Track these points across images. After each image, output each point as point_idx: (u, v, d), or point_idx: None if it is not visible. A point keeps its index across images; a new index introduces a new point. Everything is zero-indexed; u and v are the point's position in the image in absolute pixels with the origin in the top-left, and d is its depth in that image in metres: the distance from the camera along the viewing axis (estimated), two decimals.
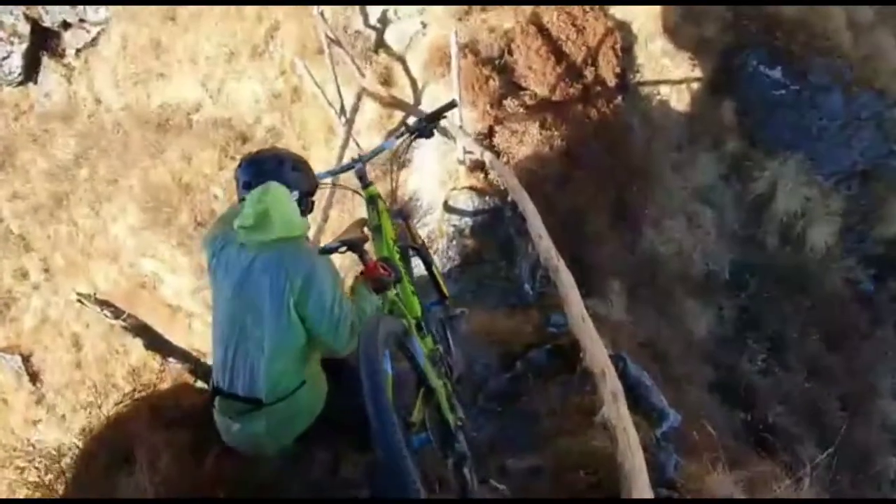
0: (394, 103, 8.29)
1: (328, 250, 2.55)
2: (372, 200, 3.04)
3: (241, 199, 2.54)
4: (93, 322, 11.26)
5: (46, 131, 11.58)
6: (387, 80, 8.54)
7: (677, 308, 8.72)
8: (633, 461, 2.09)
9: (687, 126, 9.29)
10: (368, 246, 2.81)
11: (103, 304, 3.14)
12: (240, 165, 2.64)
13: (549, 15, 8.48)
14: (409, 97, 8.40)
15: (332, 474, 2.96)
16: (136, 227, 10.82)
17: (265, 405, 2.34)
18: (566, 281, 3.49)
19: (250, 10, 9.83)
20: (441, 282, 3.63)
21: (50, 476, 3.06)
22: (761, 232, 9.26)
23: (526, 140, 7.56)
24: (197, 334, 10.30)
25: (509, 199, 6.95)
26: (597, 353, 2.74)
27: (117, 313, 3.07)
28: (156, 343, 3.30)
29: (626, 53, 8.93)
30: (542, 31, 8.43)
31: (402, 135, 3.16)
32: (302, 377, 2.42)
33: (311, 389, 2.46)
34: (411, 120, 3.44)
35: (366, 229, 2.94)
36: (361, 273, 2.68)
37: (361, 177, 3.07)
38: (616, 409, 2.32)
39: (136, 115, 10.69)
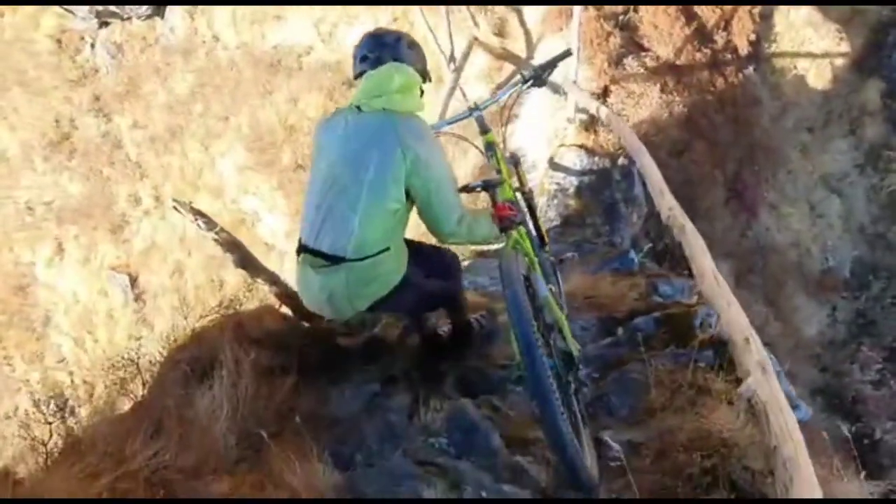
0: (505, 55, 7.80)
1: (469, 189, 2.60)
2: (490, 146, 3.02)
3: (358, 75, 2.57)
4: (194, 251, 11.55)
5: (168, 65, 11.82)
6: (500, 31, 8.04)
7: (787, 302, 7.88)
8: (792, 446, 1.63)
9: (823, 106, 8.29)
10: None
11: (198, 214, 2.98)
12: (360, 41, 2.65)
13: None
14: (521, 50, 7.88)
15: (409, 419, 2.65)
16: (240, 166, 10.92)
17: (347, 261, 2.33)
18: (694, 242, 2.98)
19: None
20: (543, 228, 3.50)
21: (134, 383, 2.89)
22: (894, 231, 8.20)
23: (644, 103, 6.91)
24: (288, 273, 10.37)
25: (619, 161, 6.41)
26: (737, 318, 2.24)
27: (210, 225, 2.89)
28: (246, 262, 3.06)
29: (765, 20, 8.02)
30: None
31: (515, 84, 3.11)
32: (387, 244, 2.39)
33: (392, 257, 2.43)
34: (526, 70, 3.05)
35: (495, 173, 2.86)
36: (492, 214, 2.64)
37: (481, 123, 3.03)
38: (767, 384, 1.84)
39: (249, 54, 10.69)
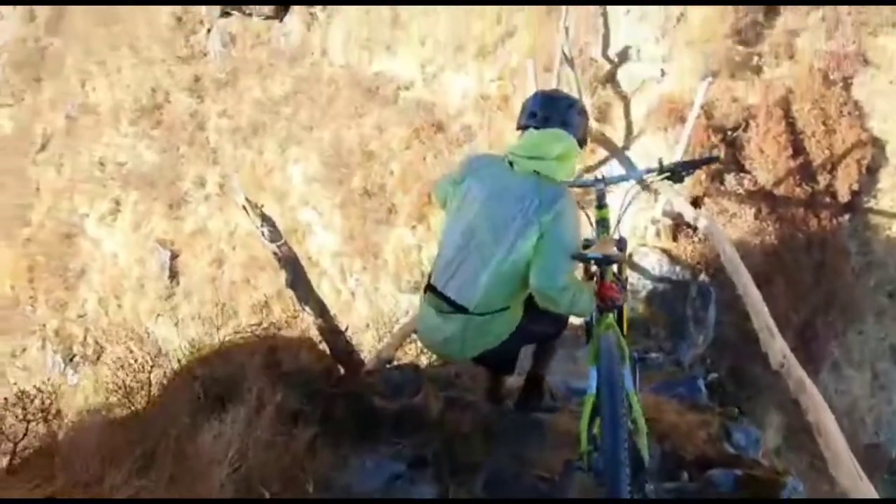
0: (602, 140, 7.46)
1: (584, 258, 2.43)
2: (602, 223, 2.82)
3: (523, 128, 2.53)
4: (240, 247, 11.35)
5: (272, 65, 11.91)
6: (602, 116, 7.73)
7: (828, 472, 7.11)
8: None
9: None
10: None
11: (266, 221, 2.68)
12: (532, 98, 2.61)
13: (801, 104, 7.29)
14: (619, 139, 7.54)
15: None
16: (310, 176, 10.77)
17: (469, 313, 2.36)
18: (819, 407, 2.47)
19: (492, 11, 9.43)
20: (627, 321, 3.04)
21: (147, 374, 2.47)
22: None
23: (736, 224, 6.44)
24: (323, 293, 10.02)
25: (700, 277, 5.91)
26: None
27: (274, 236, 2.57)
28: (298, 284, 2.68)
29: (870, 173, 7.51)
30: (788, 118, 7.26)
31: (651, 171, 2.89)
32: (508, 303, 2.40)
33: (509, 317, 2.44)
34: (667, 161, 2.86)
35: (614, 250, 2.58)
36: (596, 290, 2.51)
37: (601, 197, 2.84)
38: None
39: (351, 76, 10.65)
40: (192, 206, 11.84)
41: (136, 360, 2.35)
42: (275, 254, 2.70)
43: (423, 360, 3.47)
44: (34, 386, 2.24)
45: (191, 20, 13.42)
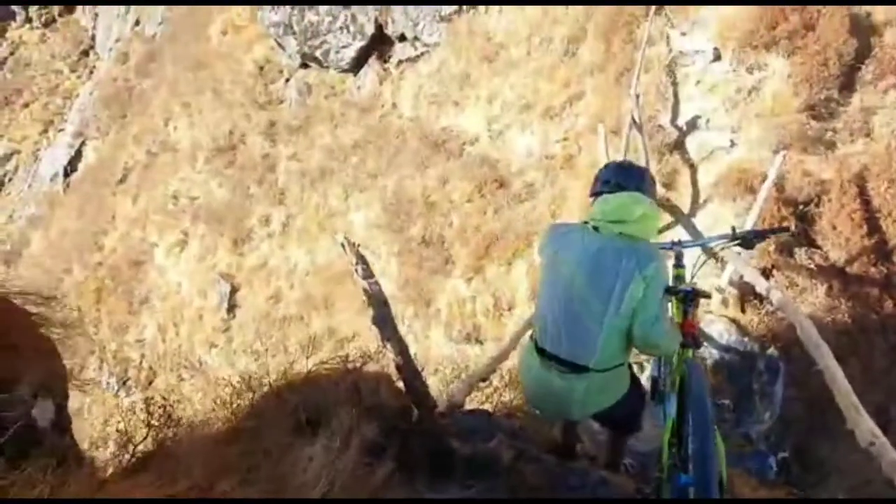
0: (667, 206, 7.39)
1: (676, 291, 2.71)
2: (678, 280, 3.04)
3: (595, 194, 2.70)
4: (297, 285, 11.58)
5: (343, 115, 12.37)
6: (669, 183, 7.68)
7: None
8: None
9: None
10: None
11: (361, 259, 2.78)
12: (605, 167, 2.83)
13: (878, 182, 7.10)
14: (685, 206, 7.45)
15: None
16: (370, 222, 10.97)
17: (591, 371, 2.46)
18: None
19: (562, 74, 9.64)
20: None
21: (238, 402, 2.51)
22: None
23: (806, 298, 6.21)
24: (371, 343, 10.07)
25: (768, 351, 5.70)
26: None
27: (367, 273, 2.66)
28: (383, 322, 2.73)
29: None
30: (863, 195, 7.06)
31: (724, 237, 3.16)
32: (622, 359, 2.55)
33: (624, 372, 2.61)
34: (740, 229, 3.30)
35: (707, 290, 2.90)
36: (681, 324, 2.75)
37: (678, 257, 3.12)
38: None
39: (419, 128, 10.95)
40: (256, 243, 12.18)
41: (242, 379, 2.40)
42: (365, 290, 2.75)
43: (489, 408, 3.44)
44: (160, 395, 2.32)
45: (272, 69, 14.15)
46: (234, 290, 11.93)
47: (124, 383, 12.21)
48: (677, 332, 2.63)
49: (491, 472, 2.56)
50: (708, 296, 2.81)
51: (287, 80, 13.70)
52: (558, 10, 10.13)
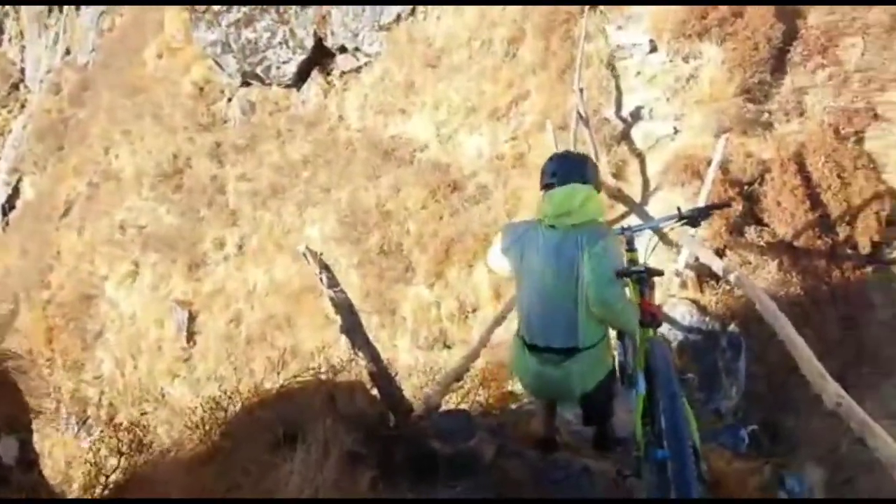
0: (619, 196, 7.53)
1: (628, 271, 2.74)
2: (631, 264, 3.12)
3: (546, 186, 2.85)
4: (258, 306, 11.34)
5: (290, 131, 12.20)
6: (618, 173, 7.83)
7: None
8: None
9: None
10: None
11: (325, 268, 2.72)
12: (549, 160, 2.96)
13: (815, 158, 7.38)
14: (636, 195, 7.61)
15: None
16: (327, 236, 10.84)
17: (582, 350, 2.64)
18: (888, 451, 2.39)
19: (505, 75, 9.72)
20: None
21: (210, 424, 2.41)
22: None
23: (759, 276, 6.39)
24: (341, 353, 9.93)
25: (729, 328, 5.84)
26: None
27: (332, 283, 2.61)
28: (353, 331, 2.68)
29: (890, 225, 7.50)
30: (803, 171, 7.33)
31: (671, 218, 3.24)
32: (604, 331, 2.75)
33: (607, 346, 2.79)
34: (685, 208, 3.21)
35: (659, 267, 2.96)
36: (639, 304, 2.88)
37: (630, 241, 3.25)
38: None
39: (368, 139, 10.88)
40: (211, 267, 11.89)
41: (212, 399, 2.31)
42: (332, 299, 2.70)
43: (466, 407, 3.41)
44: (127, 420, 2.21)
45: (212, 90, 13.87)
46: (192, 317, 11.60)
47: (84, 423, 11.72)
48: (636, 310, 2.78)
49: (473, 470, 2.53)
50: (660, 273, 2.92)
51: (229, 100, 13.45)
52: (495, 12, 10.21)
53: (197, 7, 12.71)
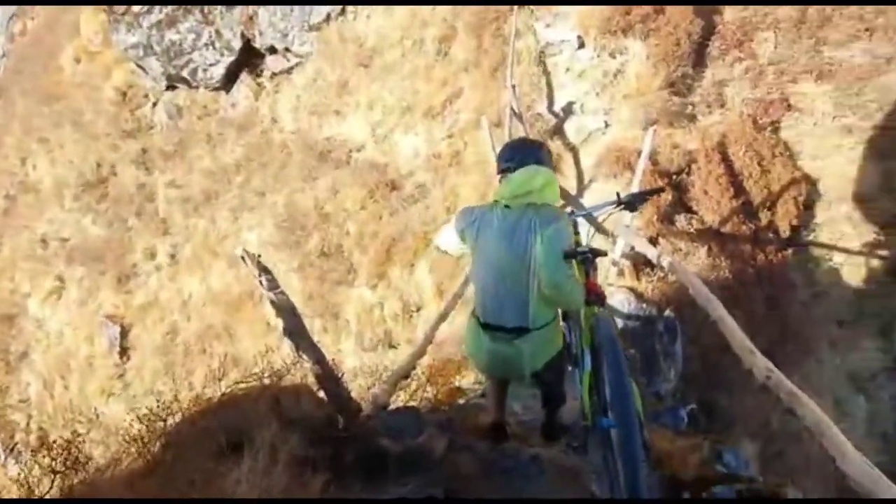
0: None
1: (574, 253, 2.76)
2: (576, 245, 3.14)
3: (502, 171, 2.89)
4: (195, 317, 10.98)
5: (221, 135, 11.87)
6: (554, 167, 7.96)
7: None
8: None
9: (854, 303, 8.02)
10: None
11: (264, 270, 2.62)
12: (505, 146, 3.04)
13: (737, 148, 7.74)
14: (571, 187, 7.77)
15: None
16: (265, 241, 10.59)
17: (532, 330, 2.71)
18: (810, 406, 2.52)
19: (438, 74, 9.76)
20: None
21: (152, 440, 2.30)
22: None
23: (691, 261, 6.65)
24: (284, 356, 9.73)
25: (665, 313, 6.04)
26: None
27: (272, 285, 2.52)
28: (296, 333, 2.60)
29: (807, 209, 7.95)
30: (726, 160, 7.67)
31: (610, 203, 3.29)
32: (554, 312, 2.81)
33: (556, 327, 2.85)
34: (623, 194, 3.30)
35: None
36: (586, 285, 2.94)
37: (573, 226, 3.22)
38: None
39: (303, 141, 10.70)
40: (142, 279, 11.44)
41: (150, 411, 2.21)
42: (273, 301, 2.63)
43: (415, 404, 3.40)
44: (60, 436, 2.08)
45: (136, 94, 13.33)
46: (124, 332, 11.13)
47: (12, 450, 11.06)
48: (582, 289, 2.83)
49: (424, 466, 2.53)
50: (604, 253, 3.02)
51: (154, 104, 12.96)
52: (426, 11, 10.23)
53: (115, 8, 12.17)
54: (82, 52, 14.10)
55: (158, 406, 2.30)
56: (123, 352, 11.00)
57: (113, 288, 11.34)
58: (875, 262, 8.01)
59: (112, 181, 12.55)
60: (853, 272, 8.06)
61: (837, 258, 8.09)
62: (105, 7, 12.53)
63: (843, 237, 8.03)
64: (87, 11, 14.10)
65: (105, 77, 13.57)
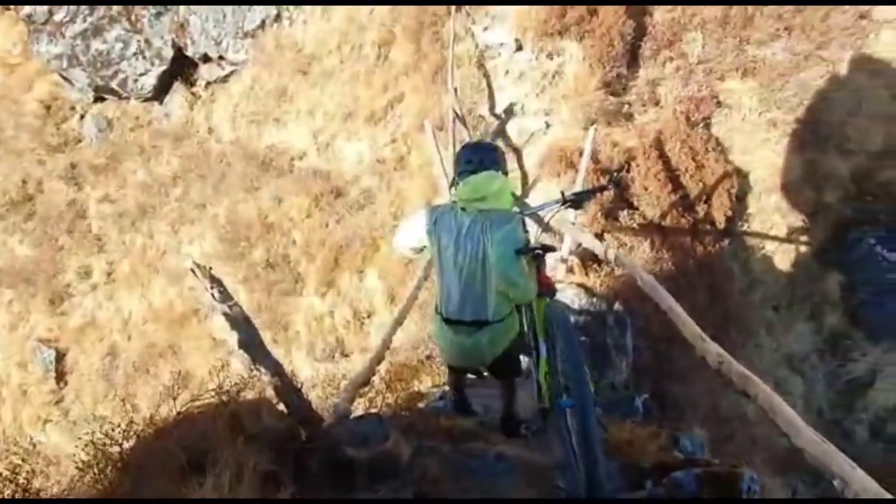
0: None
1: (528, 249, 2.90)
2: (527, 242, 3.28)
3: (461, 173, 3.03)
4: (136, 336, 10.56)
5: (155, 147, 11.47)
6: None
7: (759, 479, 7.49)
8: None
9: (787, 288, 8.44)
10: None
11: (216, 282, 2.53)
12: (463, 148, 3.21)
13: (672, 144, 8.02)
14: (516, 188, 7.87)
15: None
16: (208, 254, 10.28)
17: (490, 323, 2.90)
18: (761, 387, 2.63)
19: (378, 79, 9.72)
20: None
21: (107, 465, 2.17)
22: (851, 420, 8.09)
23: (636, 255, 6.87)
24: (233, 372, 9.48)
25: (615, 307, 6.19)
26: None
27: (225, 297, 2.44)
28: (251, 345, 2.54)
29: (740, 200, 8.31)
30: (663, 157, 7.94)
31: (556, 202, 3.33)
32: (510, 309, 2.98)
33: (514, 319, 3.03)
34: (568, 192, 3.34)
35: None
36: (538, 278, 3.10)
37: (522, 224, 3.30)
38: None
39: (242, 150, 10.46)
40: (78, 300, 10.92)
41: (105, 435, 2.11)
42: (225, 314, 2.55)
43: (377, 410, 3.37)
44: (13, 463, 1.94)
45: (61, 107, 12.71)
46: (60, 356, 10.59)
47: None
48: (535, 283, 3.01)
49: (392, 472, 2.51)
50: (554, 249, 3.19)
51: (82, 117, 12.39)
52: (363, 16, 10.17)
53: (34, 18, 11.60)
54: (0, 65, 13.36)
55: (112, 430, 2.19)
56: (60, 376, 10.47)
57: (45, 310, 10.79)
58: (803, 248, 8.45)
59: (39, 198, 11.93)
60: (784, 259, 8.47)
61: (769, 246, 8.49)
62: (24, 18, 11.91)
63: (774, 226, 8.43)
64: (2, 22, 13.39)
65: (26, 89, 12.89)
